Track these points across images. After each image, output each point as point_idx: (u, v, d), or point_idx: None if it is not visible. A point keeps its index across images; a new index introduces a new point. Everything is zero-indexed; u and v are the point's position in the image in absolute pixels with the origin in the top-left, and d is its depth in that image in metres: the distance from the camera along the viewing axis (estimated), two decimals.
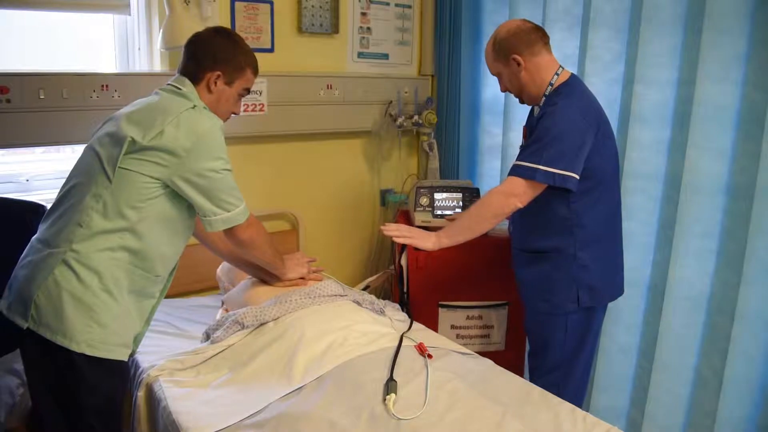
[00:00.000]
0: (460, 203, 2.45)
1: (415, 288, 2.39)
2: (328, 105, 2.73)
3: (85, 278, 1.46)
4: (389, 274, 2.69)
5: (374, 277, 2.69)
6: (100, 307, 1.47)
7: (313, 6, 2.65)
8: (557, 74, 1.85)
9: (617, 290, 2.01)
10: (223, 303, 2.13)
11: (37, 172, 2.31)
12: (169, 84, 1.65)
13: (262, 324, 1.87)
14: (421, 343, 1.82)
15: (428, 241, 1.91)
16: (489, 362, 1.86)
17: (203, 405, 1.60)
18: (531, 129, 1.88)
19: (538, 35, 1.85)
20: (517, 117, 2.64)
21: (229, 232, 1.67)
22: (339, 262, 2.96)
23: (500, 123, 2.74)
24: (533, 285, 1.97)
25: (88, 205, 1.48)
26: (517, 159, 1.81)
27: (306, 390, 1.62)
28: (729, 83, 1.88)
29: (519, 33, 1.83)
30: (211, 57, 1.64)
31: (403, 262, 2.39)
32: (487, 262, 2.37)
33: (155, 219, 1.54)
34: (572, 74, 1.88)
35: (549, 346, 1.96)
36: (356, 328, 1.85)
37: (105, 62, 2.41)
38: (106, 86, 2.15)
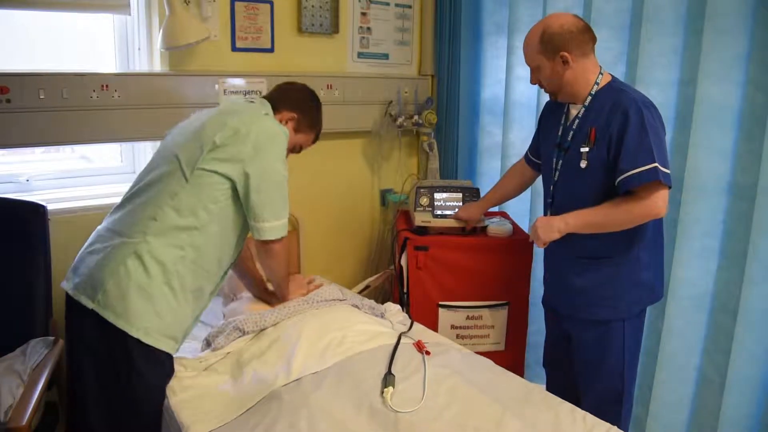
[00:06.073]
0: (460, 203, 2.45)
1: (415, 288, 2.38)
2: (328, 105, 2.67)
3: (151, 270, 1.55)
4: (389, 274, 2.68)
5: (374, 277, 2.69)
6: (159, 299, 1.56)
7: (313, 6, 2.65)
8: (601, 74, 1.79)
9: (664, 289, 1.97)
10: (224, 315, 2.13)
11: (37, 172, 2.31)
12: (250, 98, 1.74)
13: (262, 330, 1.88)
14: (419, 341, 1.82)
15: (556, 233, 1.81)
16: (489, 362, 1.85)
17: (205, 402, 1.61)
18: (573, 129, 1.81)
19: (590, 36, 1.76)
20: (516, 117, 2.64)
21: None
22: (339, 262, 2.96)
23: (500, 123, 2.74)
24: (592, 292, 1.84)
25: (164, 201, 1.58)
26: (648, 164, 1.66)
27: (305, 384, 1.62)
28: (730, 83, 1.88)
29: (573, 31, 1.73)
30: (297, 103, 1.83)
31: (403, 262, 2.39)
32: (487, 262, 2.36)
33: (222, 222, 1.64)
34: (613, 77, 1.81)
35: (606, 358, 1.86)
36: (355, 328, 1.86)
37: (105, 62, 2.41)
38: (106, 86, 2.15)
